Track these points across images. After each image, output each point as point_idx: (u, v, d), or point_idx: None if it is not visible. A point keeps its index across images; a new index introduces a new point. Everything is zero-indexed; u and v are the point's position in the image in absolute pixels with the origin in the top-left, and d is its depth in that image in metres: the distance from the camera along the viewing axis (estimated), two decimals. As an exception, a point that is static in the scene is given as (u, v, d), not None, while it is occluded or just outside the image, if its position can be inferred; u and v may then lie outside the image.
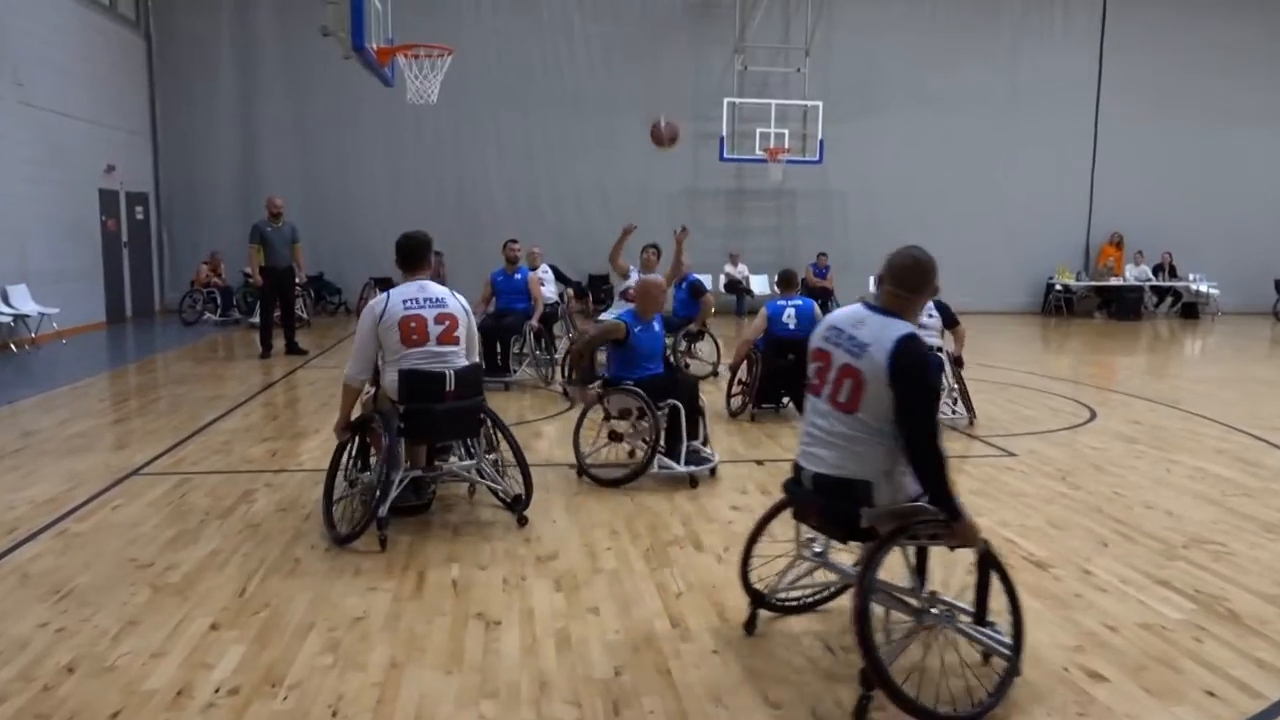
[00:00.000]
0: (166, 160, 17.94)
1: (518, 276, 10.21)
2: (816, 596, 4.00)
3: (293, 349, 12.18)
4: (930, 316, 7.77)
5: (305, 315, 15.74)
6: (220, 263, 16.79)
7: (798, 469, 3.47)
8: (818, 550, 3.77)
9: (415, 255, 5.12)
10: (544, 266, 11.26)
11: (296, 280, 12.30)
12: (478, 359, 5.26)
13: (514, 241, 10.38)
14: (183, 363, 11.80)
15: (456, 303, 5.11)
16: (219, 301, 16.35)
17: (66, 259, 14.19)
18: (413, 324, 4.91)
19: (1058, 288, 19.70)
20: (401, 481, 4.96)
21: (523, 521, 5.13)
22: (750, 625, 3.83)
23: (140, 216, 17.08)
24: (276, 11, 17.72)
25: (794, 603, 3.97)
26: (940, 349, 7.84)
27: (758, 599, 3.84)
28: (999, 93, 19.46)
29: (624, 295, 9.20)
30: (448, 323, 4.98)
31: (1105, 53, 19.79)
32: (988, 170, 19.53)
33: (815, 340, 3.42)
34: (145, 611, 3.97)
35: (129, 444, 7.16)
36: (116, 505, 5.52)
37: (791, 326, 8.08)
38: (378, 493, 4.79)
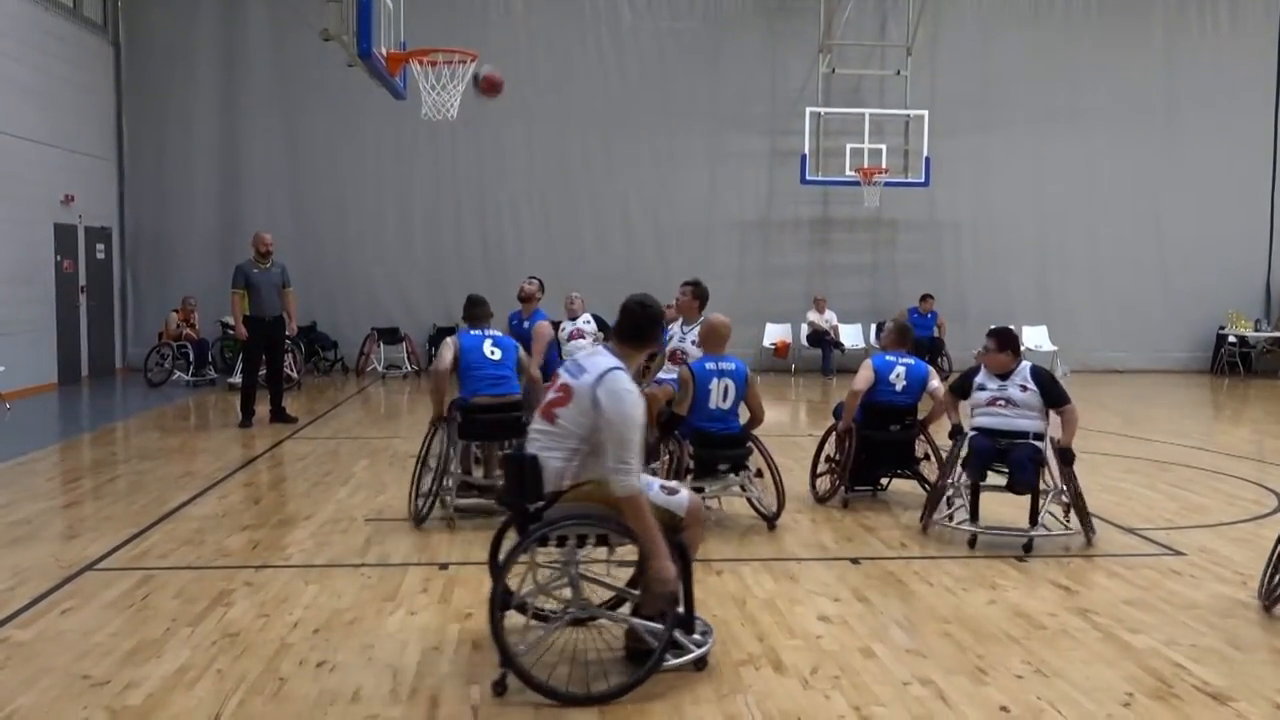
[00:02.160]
0: (134, 189, 18.51)
1: (527, 324, 9.83)
2: None
3: (279, 416, 12.37)
4: (1023, 389, 7.03)
5: (295, 374, 16.01)
6: (194, 311, 17.20)
7: None
8: None
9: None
10: (585, 316, 11.30)
11: (286, 333, 12.55)
12: None
13: (532, 279, 10.27)
14: (147, 433, 12.04)
15: None
16: (191, 358, 16.72)
17: (13, 307, 14.61)
18: None
19: (1231, 340, 19.32)
20: None
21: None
22: None
23: (101, 256, 17.61)
24: (268, 13, 18.29)
25: None
26: (1038, 435, 7.05)
27: None
28: (1149, 100, 19.36)
29: (671, 358, 9.23)
30: None
31: (1286, 47, 19.65)
32: (1137, 196, 19.37)
33: None
34: (99, 741, 4.02)
35: (81, 533, 7.28)
36: (66, 608, 5.61)
37: (899, 389, 7.99)
38: None
